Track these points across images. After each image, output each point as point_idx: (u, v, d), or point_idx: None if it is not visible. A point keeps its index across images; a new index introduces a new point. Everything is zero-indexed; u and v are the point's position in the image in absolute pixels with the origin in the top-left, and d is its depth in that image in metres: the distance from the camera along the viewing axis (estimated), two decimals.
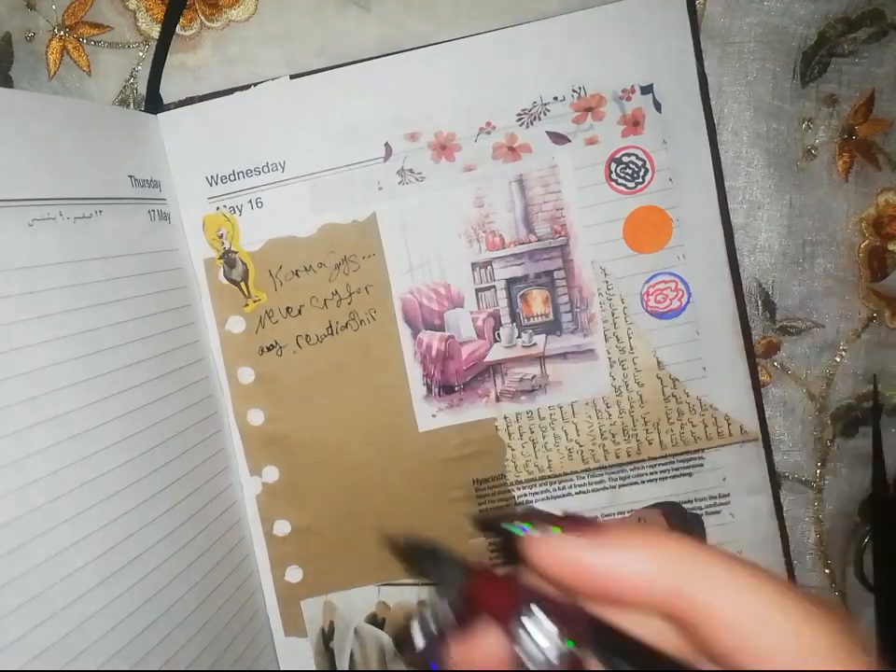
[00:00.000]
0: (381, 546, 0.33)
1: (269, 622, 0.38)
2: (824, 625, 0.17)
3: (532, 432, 0.38)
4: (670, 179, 0.36)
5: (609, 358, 0.37)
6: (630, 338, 0.37)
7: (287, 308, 0.37)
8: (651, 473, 0.38)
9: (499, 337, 0.38)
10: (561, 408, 0.37)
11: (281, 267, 0.37)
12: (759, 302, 0.38)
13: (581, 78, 0.36)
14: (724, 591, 0.18)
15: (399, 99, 0.36)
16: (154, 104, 0.37)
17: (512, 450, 0.38)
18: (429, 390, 0.38)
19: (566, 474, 0.38)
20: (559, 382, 0.37)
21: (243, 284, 0.37)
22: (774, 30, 0.37)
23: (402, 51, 0.36)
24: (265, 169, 0.37)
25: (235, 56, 0.38)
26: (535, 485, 0.38)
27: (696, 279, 0.37)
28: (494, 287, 0.37)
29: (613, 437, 0.37)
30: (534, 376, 0.37)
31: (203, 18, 0.38)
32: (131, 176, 0.34)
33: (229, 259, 0.37)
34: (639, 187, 0.36)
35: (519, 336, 0.37)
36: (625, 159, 0.36)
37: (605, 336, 0.37)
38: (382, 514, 0.38)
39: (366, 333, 0.37)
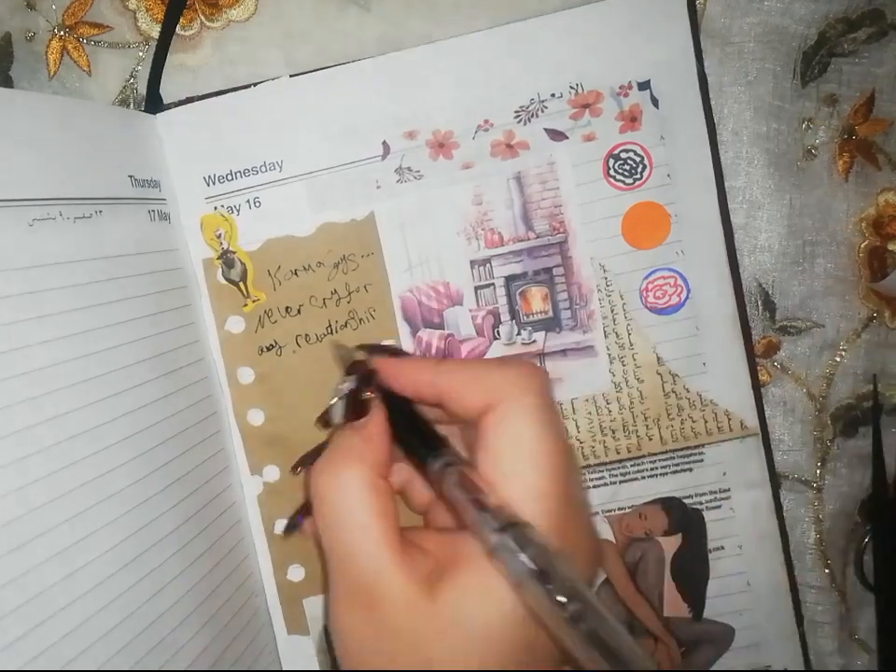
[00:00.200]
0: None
1: (271, 620, 0.38)
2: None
3: None
4: (668, 175, 0.36)
5: (609, 355, 0.37)
6: (629, 334, 0.37)
7: (287, 308, 0.37)
8: (652, 469, 0.38)
9: (499, 334, 0.38)
10: (561, 404, 0.37)
11: (280, 267, 0.37)
12: (759, 302, 0.38)
13: (579, 75, 0.36)
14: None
15: (396, 97, 0.36)
16: (154, 104, 0.37)
17: None
18: None
19: None
20: (559, 378, 0.37)
21: (241, 284, 0.37)
22: (774, 30, 0.37)
23: (399, 50, 0.36)
24: (263, 168, 0.37)
25: (235, 56, 0.38)
26: None
27: (695, 274, 0.37)
28: (493, 284, 0.37)
29: (613, 433, 0.37)
30: None
31: (202, 18, 0.38)
32: (131, 176, 0.34)
33: (227, 259, 0.37)
34: (637, 183, 0.36)
35: (518, 333, 0.37)
36: (623, 155, 0.36)
37: (604, 332, 0.37)
38: None
39: (365, 332, 0.37)
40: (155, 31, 0.38)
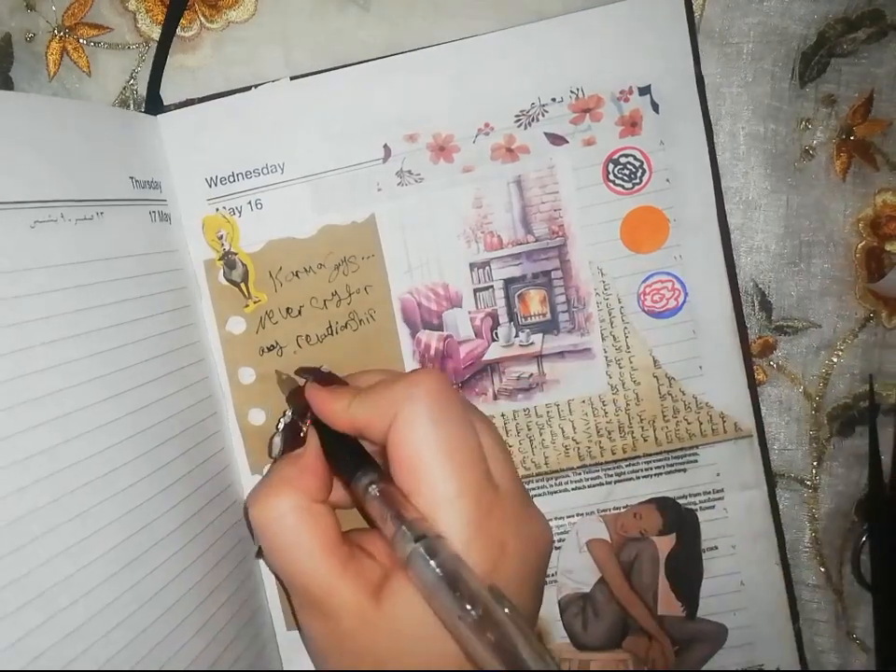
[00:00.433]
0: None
1: (271, 618, 0.39)
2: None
3: (529, 429, 0.38)
4: (667, 180, 0.37)
5: (606, 357, 0.38)
6: (627, 337, 0.37)
7: (288, 309, 0.38)
8: (647, 469, 0.38)
9: (497, 336, 0.38)
10: (558, 406, 0.38)
11: (281, 268, 0.37)
12: (755, 302, 0.38)
13: (579, 80, 0.36)
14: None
15: (397, 100, 0.37)
16: (154, 105, 0.37)
17: (510, 447, 0.38)
18: None
19: (562, 470, 0.38)
20: (556, 380, 0.38)
21: (243, 285, 0.38)
22: (773, 30, 0.37)
23: (401, 53, 0.36)
24: (265, 170, 0.37)
25: (235, 57, 0.38)
26: (531, 481, 0.38)
27: (693, 279, 0.37)
28: (492, 287, 0.38)
29: (609, 434, 0.38)
30: (531, 375, 0.38)
31: (202, 19, 0.38)
32: (132, 178, 0.34)
33: (228, 260, 0.38)
34: (637, 187, 0.37)
35: (517, 335, 0.38)
36: (623, 159, 0.37)
37: (602, 335, 0.37)
38: None
39: (365, 333, 0.38)
40: (155, 32, 0.38)
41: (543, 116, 0.36)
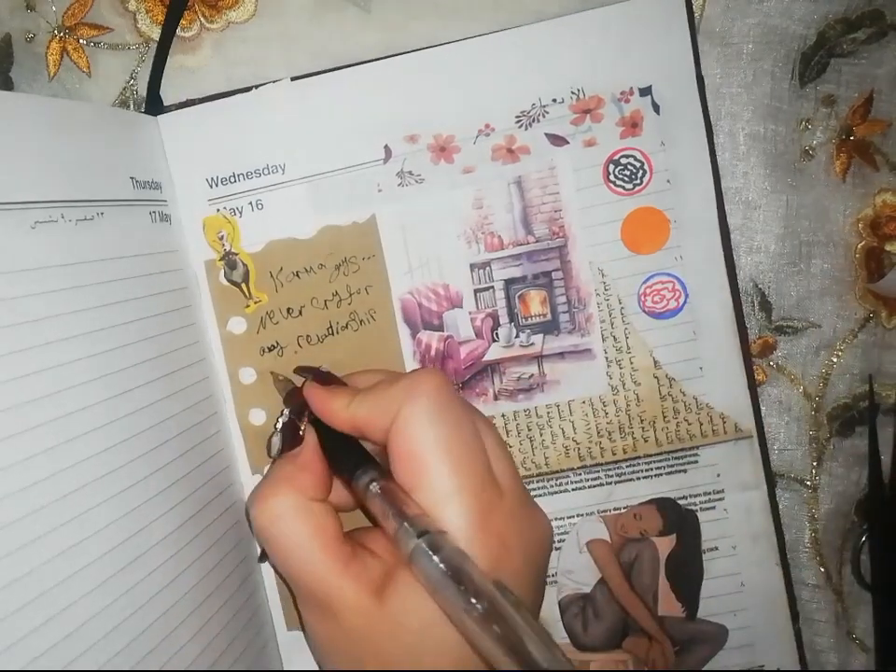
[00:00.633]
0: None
1: (271, 617, 0.39)
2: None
3: (529, 430, 0.38)
4: (668, 181, 0.37)
5: (607, 358, 0.38)
6: (627, 338, 0.37)
7: (288, 309, 0.38)
8: (647, 470, 0.38)
9: (498, 337, 0.38)
10: (558, 406, 0.38)
11: (282, 268, 0.37)
12: (755, 302, 0.38)
13: (580, 80, 0.36)
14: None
15: (398, 101, 0.37)
16: (154, 105, 0.37)
17: (510, 447, 0.38)
18: None
19: (562, 471, 0.38)
20: (556, 381, 0.38)
21: (243, 285, 0.38)
22: (773, 31, 0.37)
23: (402, 54, 0.36)
24: (265, 171, 0.37)
25: (235, 57, 0.38)
26: (532, 482, 0.38)
27: (693, 280, 0.37)
28: (492, 287, 0.38)
29: (609, 434, 0.38)
30: (532, 375, 0.38)
31: (202, 19, 0.38)
32: (132, 178, 0.34)
33: (229, 260, 0.38)
34: (637, 188, 0.37)
35: (517, 336, 0.38)
36: (623, 160, 0.37)
37: (602, 336, 0.37)
38: None
39: (366, 333, 0.38)
40: (155, 32, 0.38)
41: (544, 116, 0.36)
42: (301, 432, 0.33)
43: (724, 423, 0.37)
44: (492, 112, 0.37)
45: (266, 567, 0.39)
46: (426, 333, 0.38)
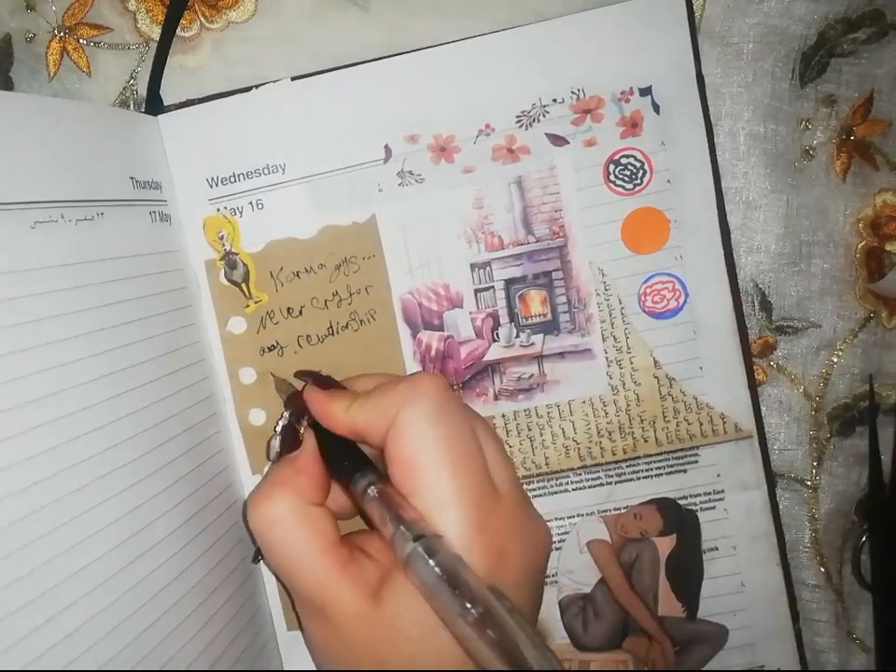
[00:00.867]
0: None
1: (272, 618, 0.39)
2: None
3: (529, 430, 0.38)
4: (668, 181, 0.37)
5: (607, 358, 0.38)
6: (627, 338, 0.37)
7: (288, 309, 0.38)
8: (647, 470, 0.38)
9: (498, 337, 0.38)
10: (558, 406, 0.38)
11: (282, 268, 0.37)
12: (755, 302, 0.38)
13: (580, 80, 0.36)
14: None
15: (398, 101, 0.37)
16: (154, 105, 0.37)
17: (510, 447, 0.38)
18: None
19: (562, 471, 0.38)
20: (557, 381, 0.38)
21: (244, 285, 0.38)
22: (773, 30, 0.37)
23: (402, 53, 0.36)
24: (266, 171, 0.37)
25: (235, 57, 0.38)
26: (532, 482, 0.38)
27: (693, 280, 0.37)
28: (493, 287, 0.38)
29: (610, 434, 0.38)
30: (532, 375, 0.38)
31: (202, 19, 0.38)
32: (132, 178, 0.34)
33: (229, 260, 0.38)
34: (637, 188, 0.37)
35: (517, 336, 0.38)
36: (624, 160, 0.37)
37: (602, 336, 0.37)
38: None
39: (366, 333, 0.38)
40: (155, 32, 0.38)
41: (544, 116, 0.36)
42: (300, 436, 0.33)
43: (724, 423, 0.37)
44: (492, 112, 0.37)
45: (266, 568, 0.39)
46: (426, 333, 0.38)
